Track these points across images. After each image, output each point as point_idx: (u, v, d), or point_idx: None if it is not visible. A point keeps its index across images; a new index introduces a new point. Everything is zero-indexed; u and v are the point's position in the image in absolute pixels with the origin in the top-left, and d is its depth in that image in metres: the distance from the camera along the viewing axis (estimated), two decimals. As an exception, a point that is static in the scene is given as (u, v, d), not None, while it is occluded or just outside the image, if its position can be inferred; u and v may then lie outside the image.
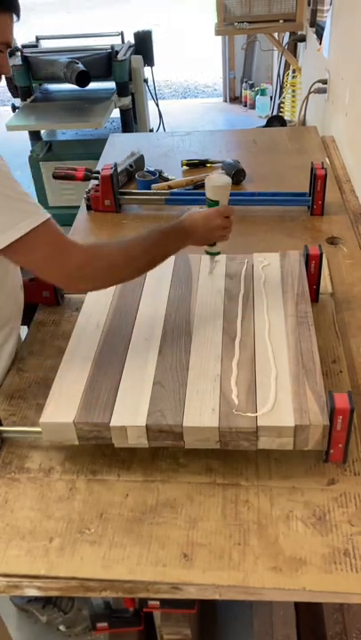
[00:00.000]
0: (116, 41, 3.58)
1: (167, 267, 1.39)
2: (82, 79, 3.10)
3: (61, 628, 1.65)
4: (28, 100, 3.45)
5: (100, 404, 1.03)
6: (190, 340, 1.16)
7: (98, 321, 1.24)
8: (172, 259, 1.42)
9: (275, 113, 4.19)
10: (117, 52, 3.34)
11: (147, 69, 3.66)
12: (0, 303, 1.23)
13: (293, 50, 3.89)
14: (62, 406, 1.03)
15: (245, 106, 5.59)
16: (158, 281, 1.34)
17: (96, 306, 1.28)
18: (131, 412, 1.01)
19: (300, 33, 3.55)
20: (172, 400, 1.02)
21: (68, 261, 1.07)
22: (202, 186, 1.99)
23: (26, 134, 3.57)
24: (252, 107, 5.42)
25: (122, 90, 3.41)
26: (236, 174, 1.99)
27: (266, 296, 1.27)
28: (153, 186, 1.96)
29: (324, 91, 2.69)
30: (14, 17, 1.06)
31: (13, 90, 3.51)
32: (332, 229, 1.72)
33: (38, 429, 1.03)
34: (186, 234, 1.21)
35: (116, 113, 3.50)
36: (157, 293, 1.31)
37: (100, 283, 1.15)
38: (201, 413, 0.99)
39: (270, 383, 1.04)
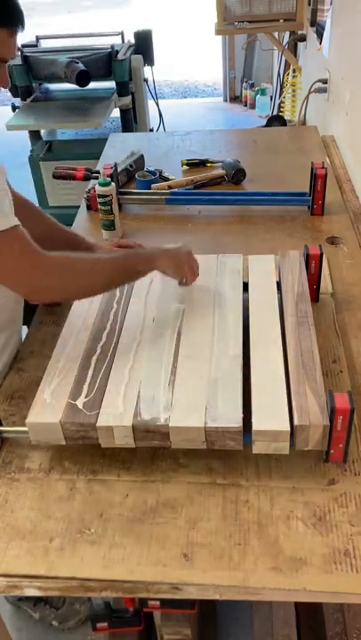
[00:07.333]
0: (117, 40, 3.57)
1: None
2: (82, 79, 3.10)
3: (54, 623, 1.66)
4: (28, 99, 3.44)
5: (87, 404, 1.03)
6: (179, 339, 1.16)
7: (86, 321, 1.23)
8: None
9: (275, 113, 4.18)
10: (117, 52, 3.34)
11: (147, 69, 3.65)
12: (1, 303, 1.23)
13: (294, 49, 3.89)
14: (49, 406, 1.03)
15: (246, 105, 5.59)
16: (148, 280, 1.33)
17: (85, 306, 1.28)
18: (117, 413, 1.01)
19: (300, 32, 3.55)
20: (160, 400, 1.02)
21: (36, 272, 1.06)
22: (202, 185, 1.99)
23: (26, 134, 3.56)
24: (253, 106, 5.42)
25: (122, 89, 3.41)
26: (236, 174, 1.99)
27: (262, 296, 1.26)
28: (153, 186, 1.96)
29: (324, 90, 2.69)
30: (17, 29, 1.03)
31: (13, 89, 3.51)
32: (332, 229, 1.72)
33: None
34: (153, 257, 1.23)
35: (116, 113, 3.50)
36: (147, 293, 1.31)
37: (64, 293, 1.15)
38: (187, 413, 0.99)
39: (268, 383, 1.03)
